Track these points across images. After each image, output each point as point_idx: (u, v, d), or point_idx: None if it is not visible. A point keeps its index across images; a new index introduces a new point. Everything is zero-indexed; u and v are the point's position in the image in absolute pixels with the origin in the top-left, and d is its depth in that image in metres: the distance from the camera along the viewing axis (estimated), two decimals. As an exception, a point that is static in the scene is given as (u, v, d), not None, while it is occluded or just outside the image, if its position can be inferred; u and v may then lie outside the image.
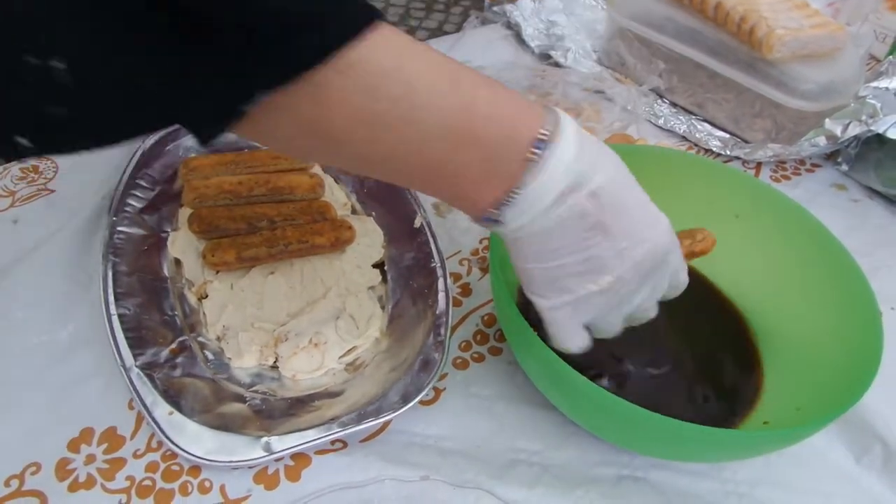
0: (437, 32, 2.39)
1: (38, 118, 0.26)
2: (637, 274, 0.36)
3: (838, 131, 0.65)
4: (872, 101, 0.65)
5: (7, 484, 0.41)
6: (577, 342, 0.38)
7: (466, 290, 0.55)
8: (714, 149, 0.71)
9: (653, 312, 0.40)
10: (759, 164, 0.71)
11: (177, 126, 0.28)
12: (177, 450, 0.41)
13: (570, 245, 0.34)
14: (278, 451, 0.41)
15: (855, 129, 0.64)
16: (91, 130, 0.27)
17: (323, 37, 0.27)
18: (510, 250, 0.37)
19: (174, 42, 0.25)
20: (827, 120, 0.66)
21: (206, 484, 0.42)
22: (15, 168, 0.61)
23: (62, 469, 0.42)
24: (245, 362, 0.47)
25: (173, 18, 0.24)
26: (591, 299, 0.36)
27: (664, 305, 0.40)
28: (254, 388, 0.46)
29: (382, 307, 0.52)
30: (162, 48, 0.25)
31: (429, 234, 0.54)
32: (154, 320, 0.48)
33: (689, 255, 0.41)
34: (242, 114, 0.28)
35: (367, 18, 0.28)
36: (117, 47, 0.25)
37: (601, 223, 0.34)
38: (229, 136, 0.63)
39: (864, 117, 0.64)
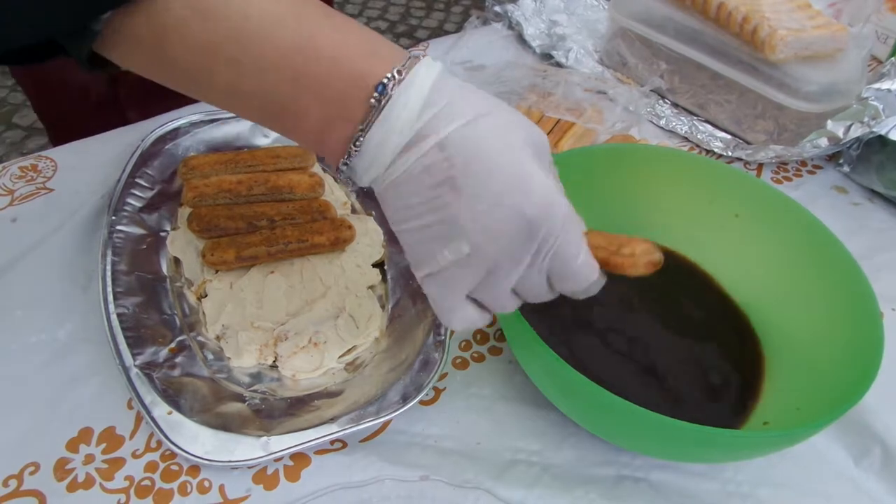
0: (438, 32, 2.39)
1: None
2: (496, 245, 0.31)
3: (840, 133, 0.65)
4: (874, 103, 0.65)
5: (5, 484, 0.41)
6: (456, 320, 0.35)
7: (466, 290, 0.55)
8: (716, 150, 0.71)
9: (544, 295, 0.35)
10: (760, 166, 0.71)
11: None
12: (176, 449, 0.41)
13: (420, 203, 0.31)
14: (278, 451, 0.41)
15: (857, 131, 0.64)
16: None
17: None
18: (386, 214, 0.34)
19: None
20: (829, 121, 0.66)
21: (206, 484, 0.42)
22: (14, 167, 0.61)
23: (61, 469, 0.42)
24: (244, 362, 0.47)
25: None
26: (454, 272, 0.33)
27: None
28: (253, 388, 0.46)
29: (382, 307, 0.52)
30: None
31: (429, 233, 0.54)
32: (153, 319, 0.48)
33: (606, 264, 0.36)
34: (95, 33, 0.29)
35: None
36: None
37: (450, 178, 0.30)
38: (227, 135, 0.62)
39: (866, 119, 0.64)
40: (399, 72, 0.30)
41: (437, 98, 0.31)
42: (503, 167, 0.31)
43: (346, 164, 0.32)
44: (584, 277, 0.35)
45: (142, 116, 0.66)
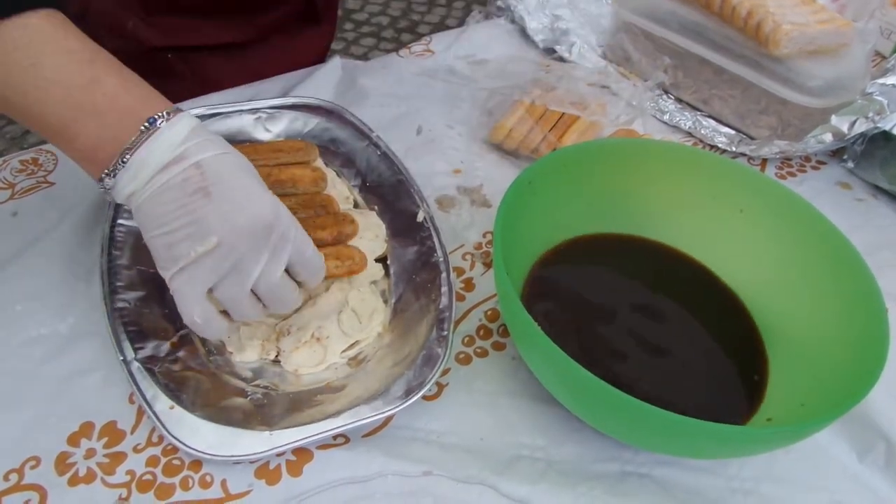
0: (440, 27, 2.38)
1: None
2: (241, 239, 0.39)
3: (845, 128, 0.65)
4: (879, 98, 0.65)
5: (6, 478, 0.41)
6: (197, 312, 0.40)
7: (469, 285, 0.55)
8: (720, 145, 0.71)
9: (283, 295, 0.42)
10: (764, 161, 0.70)
11: None
12: (178, 444, 0.41)
13: (176, 210, 0.38)
14: (280, 446, 0.41)
15: (861, 126, 0.64)
16: None
17: None
18: (138, 224, 0.41)
19: None
20: (833, 116, 0.65)
21: (208, 478, 0.42)
22: (14, 160, 0.60)
23: (62, 463, 0.42)
24: (247, 356, 0.47)
25: None
26: (202, 264, 0.39)
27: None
28: (255, 383, 0.46)
29: (385, 302, 0.52)
30: None
31: (432, 228, 0.54)
32: (154, 314, 0.48)
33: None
34: None
35: (35, 4, 0.37)
36: None
37: (203, 188, 0.38)
38: (229, 129, 0.62)
39: (870, 114, 0.64)
40: (168, 113, 0.39)
41: (195, 136, 0.39)
42: (244, 184, 0.40)
43: (109, 174, 0.39)
44: (317, 264, 0.44)
45: None
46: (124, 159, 0.38)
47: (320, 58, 0.81)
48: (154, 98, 0.40)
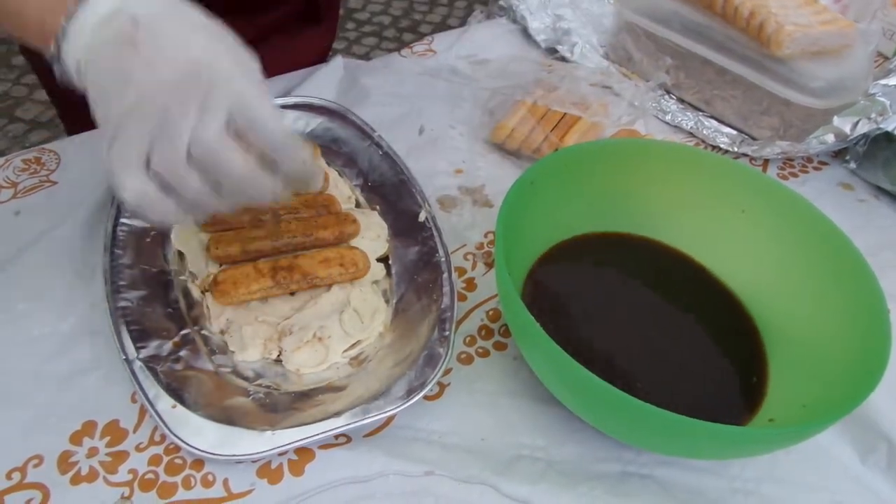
0: (442, 27, 2.38)
1: None
2: (162, 91, 0.34)
3: (847, 129, 0.65)
4: (882, 99, 0.65)
5: (9, 477, 0.41)
6: (127, 185, 0.35)
7: (471, 285, 0.55)
8: (722, 145, 0.71)
9: (223, 153, 0.36)
10: (766, 162, 0.70)
11: None
12: (180, 443, 0.41)
13: (107, 69, 0.35)
14: (282, 445, 0.41)
15: (864, 127, 0.64)
16: None
17: None
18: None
19: None
20: (835, 117, 0.65)
21: (210, 478, 0.42)
22: (17, 159, 0.61)
23: (64, 462, 0.42)
24: (249, 356, 0.47)
25: None
26: (127, 127, 0.34)
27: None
28: (257, 382, 0.46)
29: (387, 301, 0.52)
30: None
31: (433, 228, 0.54)
32: (157, 313, 0.48)
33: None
34: None
35: None
36: None
37: (132, 39, 0.34)
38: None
39: (872, 115, 0.64)
40: None
41: None
42: (176, 30, 0.35)
43: (56, 48, 0.36)
44: (273, 129, 0.37)
45: None
46: (66, 26, 0.36)
47: (321, 58, 0.81)
48: None
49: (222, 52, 0.36)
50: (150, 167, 0.35)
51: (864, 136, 0.65)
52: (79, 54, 0.36)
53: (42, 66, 0.77)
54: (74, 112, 0.79)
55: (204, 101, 0.34)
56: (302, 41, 0.80)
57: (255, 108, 0.36)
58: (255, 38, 0.78)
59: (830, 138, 0.65)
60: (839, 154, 0.71)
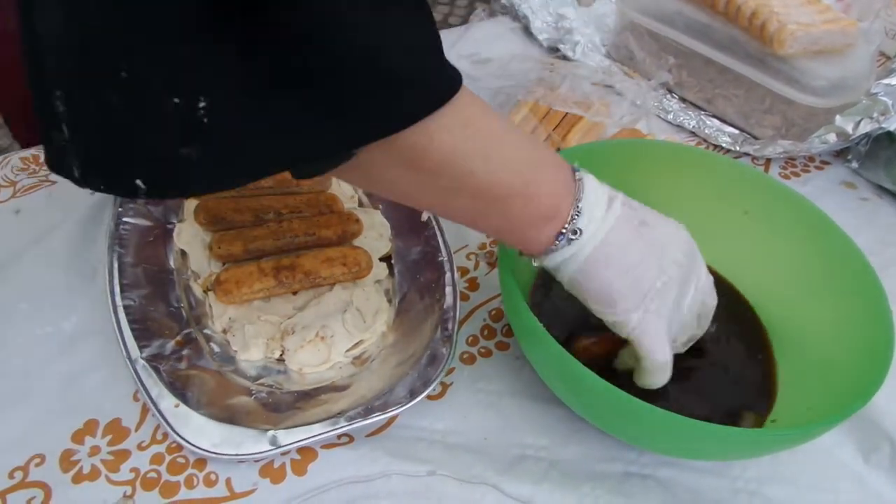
0: (443, 25, 2.38)
1: (168, 160, 0.26)
2: (684, 262, 0.39)
3: (849, 128, 0.65)
4: (884, 99, 0.65)
5: (11, 476, 0.41)
6: (668, 349, 0.40)
7: (474, 285, 0.55)
8: (724, 145, 0.71)
9: (695, 323, 0.42)
10: (768, 161, 0.70)
11: None
12: (182, 442, 0.41)
13: (632, 245, 0.38)
14: (284, 445, 0.41)
15: (866, 127, 0.64)
16: (212, 174, 0.27)
17: (424, 99, 0.30)
18: (581, 280, 0.38)
19: (304, 92, 0.26)
20: (837, 117, 0.65)
21: (212, 477, 0.42)
22: (15, 158, 0.60)
23: (66, 460, 0.42)
24: (251, 355, 0.47)
25: (305, 72, 0.26)
26: (665, 292, 0.39)
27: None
28: (260, 381, 0.46)
29: (389, 301, 0.52)
30: (293, 96, 0.26)
31: (436, 227, 0.54)
32: (159, 312, 0.48)
33: None
34: (351, 155, 0.30)
35: (457, 83, 0.32)
36: (257, 93, 0.25)
37: (642, 220, 0.39)
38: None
39: (875, 114, 0.64)
40: (575, 168, 0.38)
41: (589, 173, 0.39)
42: (658, 217, 0.41)
43: (567, 229, 0.37)
44: (714, 293, 0.44)
45: None
46: (578, 208, 0.37)
47: None
48: (552, 156, 0.39)
49: (687, 232, 0.42)
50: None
51: (867, 135, 0.65)
52: (590, 233, 0.37)
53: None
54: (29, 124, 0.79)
55: (697, 274, 0.41)
56: None
57: (709, 280, 0.43)
58: None
59: (832, 138, 0.65)
60: (841, 153, 0.71)
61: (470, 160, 0.33)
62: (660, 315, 0.39)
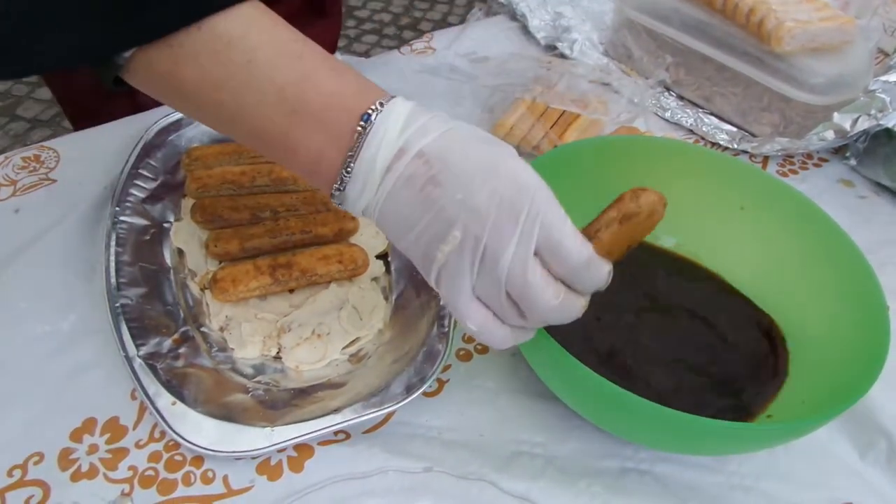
0: (441, 24, 2.38)
1: None
2: (483, 224, 0.33)
3: (847, 125, 0.65)
4: (882, 96, 0.65)
5: (10, 474, 0.41)
6: (470, 319, 0.35)
7: (470, 283, 0.55)
8: (721, 142, 0.71)
9: (540, 292, 0.34)
10: (766, 158, 0.70)
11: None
12: (180, 440, 0.41)
13: (415, 211, 0.34)
14: (281, 442, 0.41)
15: (864, 124, 0.64)
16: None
17: (193, 5, 0.33)
18: (386, 237, 0.37)
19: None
20: (835, 114, 0.65)
21: (209, 474, 0.42)
22: (16, 157, 0.61)
23: (65, 459, 0.42)
24: (248, 353, 0.47)
25: None
26: (454, 263, 0.34)
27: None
28: (257, 379, 0.46)
29: (386, 298, 0.52)
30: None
31: (433, 225, 0.54)
32: (157, 310, 0.48)
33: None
34: (119, 66, 0.35)
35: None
36: None
37: (432, 178, 0.34)
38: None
39: (873, 111, 0.64)
40: (381, 104, 0.35)
41: (412, 122, 0.35)
42: (474, 159, 0.34)
43: (339, 189, 0.35)
44: (577, 251, 0.35)
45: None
46: (348, 169, 0.34)
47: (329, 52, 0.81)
48: (367, 89, 0.36)
49: (520, 171, 0.34)
50: (475, 292, 0.35)
51: (865, 132, 0.65)
52: (367, 198, 0.35)
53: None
54: (80, 108, 0.79)
55: (520, 237, 0.33)
56: (307, 35, 0.80)
57: (559, 236, 0.34)
58: None
59: (830, 135, 0.65)
60: (839, 151, 0.70)
61: (217, 91, 0.34)
62: (451, 286, 0.35)
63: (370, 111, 0.34)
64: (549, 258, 0.34)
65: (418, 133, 0.34)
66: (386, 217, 0.35)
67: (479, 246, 0.33)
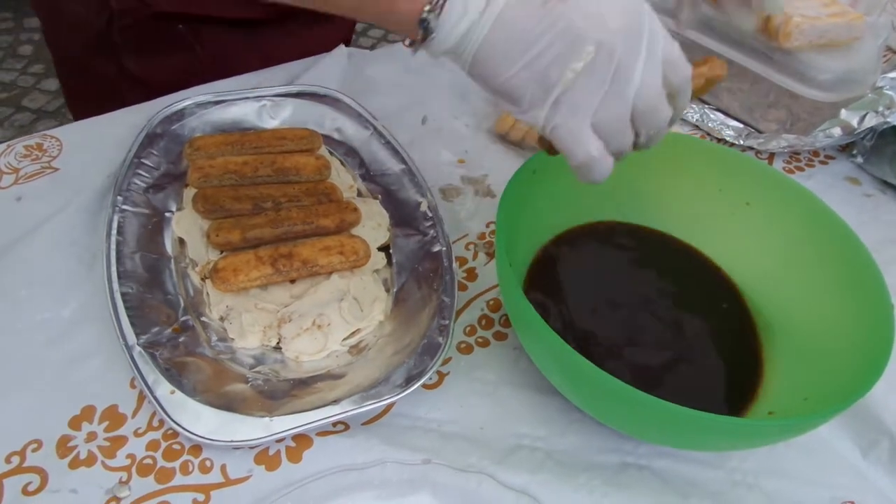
0: (448, 20, 2.36)
1: None
2: (615, 36, 0.31)
3: (854, 122, 0.64)
4: (889, 93, 0.64)
5: (8, 460, 0.41)
6: (591, 146, 0.33)
7: (472, 275, 0.54)
8: (727, 138, 0.70)
9: (663, 105, 0.34)
10: (772, 155, 0.70)
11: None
12: (178, 429, 0.41)
13: (534, 26, 0.30)
14: (280, 432, 0.41)
15: (871, 121, 0.63)
16: None
17: None
18: (479, 74, 0.33)
19: None
20: (843, 110, 0.65)
21: (207, 463, 0.42)
22: (19, 145, 0.61)
23: (63, 446, 0.42)
24: (248, 343, 0.47)
25: None
26: (583, 83, 0.31)
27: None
28: (256, 369, 0.46)
29: (387, 290, 0.52)
30: None
31: (435, 218, 0.54)
32: (157, 299, 0.48)
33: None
34: None
35: None
36: None
37: None
38: (233, 117, 0.62)
39: (880, 108, 0.63)
40: None
41: None
42: None
43: (432, 12, 0.31)
44: (686, 64, 0.34)
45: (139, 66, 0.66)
46: None
47: None
48: None
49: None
50: (594, 121, 0.33)
51: (872, 129, 0.65)
52: (470, 19, 0.30)
53: (60, 54, 0.77)
54: (82, 100, 0.79)
55: (648, 47, 0.31)
56: (316, 31, 0.79)
57: (674, 50, 0.33)
58: (269, 18, 0.74)
59: (837, 132, 0.65)
60: (846, 148, 0.70)
61: None
62: (575, 111, 0.32)
63: None
64: (667, 70, 0.33)
65: None
66: (490, 45, 0.31)
67: (613, 61, 0.31)
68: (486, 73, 0.32)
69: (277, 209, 0.53)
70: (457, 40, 0.32)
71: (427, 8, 0.31)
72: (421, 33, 0.32)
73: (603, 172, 0.34)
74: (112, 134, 0.61)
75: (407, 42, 0.33)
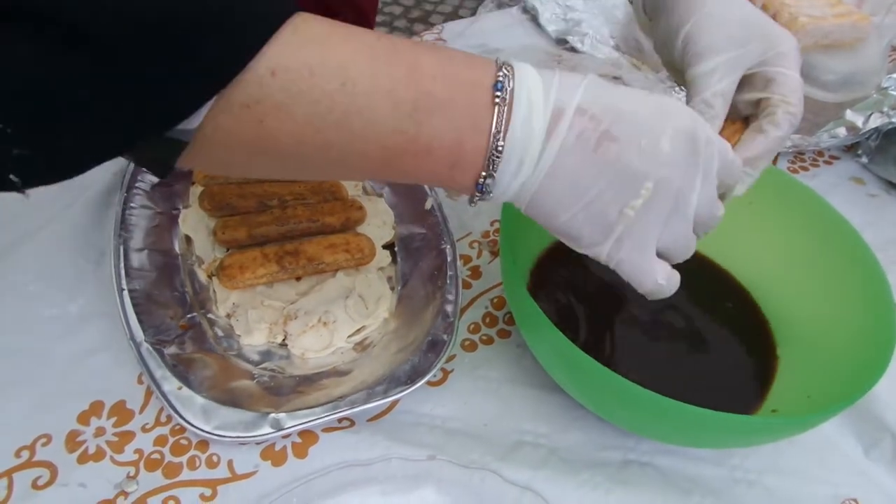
0: (453, 16, 2.37)
1: (11, 161, 0.25)
2: (673, 168, 0.31)
3: (859, 123, 0.64)
4: (894, 93, 0.64)
5: (18, 455, 0.41)
6: (659, 274, 0.33)
7: (476, 273, 0.55)
8: (730, 138, 0.70)
9: (719, 211, 0.35)
10: (776, 155, 0.70)
11: None
12: (185, 424, 0.41)
13: (588, 172, 0.31)
14: (286, 428, 0.41)
15: (876, 121, 0.63)
16: (56, 164, 0.27)
17: (242, 39, 0.26)
18: (536, 216, 0.33)
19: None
20: (848, 111, 0.65)
21: (214, 459, 0.42)
22: (29, 142, 0.61)
23: (72, 441, 0.42)
24: (254, 339, 0.48)
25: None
26: (644, 218, 0.32)
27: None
28: (262, 366, 0.46)
29: (392, 288, 0.52)
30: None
31: (439, 215, 0.54)
32: (164, 296, 0.48)
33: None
34: (182, 144, 0.27)
35: (282, 12, 0.27)
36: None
37: (605, 133, 0.30)
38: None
39: (885, 109, 0.64)
40: (507, 68, 0.30)
41: (547, 81, 0.30)
42: (639, 102, 0.31)
43: (489, 176, 0.31)
44: (737, 162, 0.35)
45: None
46: (498, 148, 0.30)
47: None
48: (474, 59, 0.31)
49: (679, 104, 0.32)
50: (659, 246, 0.33)
51: (876, 130, 0.65)
52: (525, 174, 0.31)
53: None
54: None
55: (704, 169, 0.32)
56: None
57: (728, 154, 0.34)
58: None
59: (842, 132, 0.65)
60: (851, 148, 0.70)
61: (319, 133, 0.28)
62: (637, 246, 0.32)
63: (500, 79, 0.30)
64: (722, 176, 0.34)
65: (565, 89, 0.30)
66: (545, 194, 0.31)
67: (672, 191, 0.31)
68: (542, 216, 0.33)
69: (283, 207, 0.53)
70: (514, 194, 0.32)
71: (483, 174, 0.31)
72: (478, 195, 0.32)
73: (672, 290, 0.35)
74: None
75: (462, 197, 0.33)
